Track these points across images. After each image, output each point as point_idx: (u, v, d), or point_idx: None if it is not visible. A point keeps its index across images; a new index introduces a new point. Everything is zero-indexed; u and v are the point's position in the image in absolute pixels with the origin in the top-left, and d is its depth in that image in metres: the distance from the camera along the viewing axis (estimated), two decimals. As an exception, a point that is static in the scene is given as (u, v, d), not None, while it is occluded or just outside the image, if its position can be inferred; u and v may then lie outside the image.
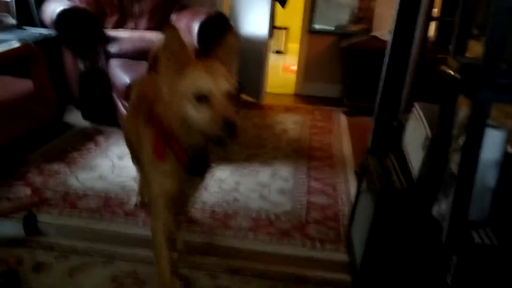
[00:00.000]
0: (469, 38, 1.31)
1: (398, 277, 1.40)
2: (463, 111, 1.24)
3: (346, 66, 3.69)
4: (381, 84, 2.55)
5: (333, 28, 3.89)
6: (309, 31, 3.95)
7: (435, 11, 2.84)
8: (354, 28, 3.81)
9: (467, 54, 1.39)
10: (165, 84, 1.17)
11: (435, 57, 2.50)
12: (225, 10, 3.84)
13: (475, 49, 1.46)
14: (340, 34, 3.84)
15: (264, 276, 1.63)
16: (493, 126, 1.06)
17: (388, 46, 2.50)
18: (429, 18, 2.46)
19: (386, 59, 2.52)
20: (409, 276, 1.33)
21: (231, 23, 3.35)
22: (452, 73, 1.11)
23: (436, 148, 1.34)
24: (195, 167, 1.28)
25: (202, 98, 1.11)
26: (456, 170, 1.11)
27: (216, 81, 1.13)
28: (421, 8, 2.34)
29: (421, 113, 1.56)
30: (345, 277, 1.65)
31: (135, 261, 1.66)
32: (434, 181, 1.25)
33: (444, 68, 1.18)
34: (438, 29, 3.14)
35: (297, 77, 4.15)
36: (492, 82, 0.97)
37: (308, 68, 4.05)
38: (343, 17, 3.86)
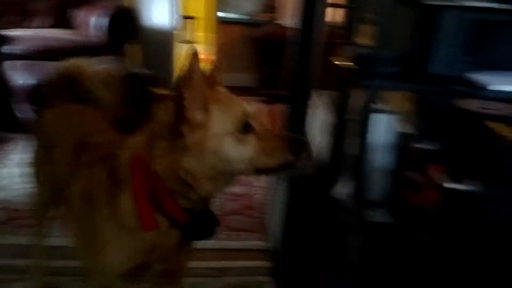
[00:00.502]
0: (365, 24, 1.38)
1: (313, 259, 1.46)
2: (356, 97, 1.31)
3: (259, 55, 3.74)
4: (288, 71, 2.62)
5: (243, 17, 3.92)
6: (219, 21, 3.95)
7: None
8: (263, 17, 3.87)
9: (366, 39, 1.47)
10: (189, 129, 0.86)
11: (345, 42, 2.61)
12: (127, 3, 3.73)
13: (368, 32, 1.55)
14: (249, 23, 3.88)
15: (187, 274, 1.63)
16: (384, 111, 1.14)
17: (292, 34, 2.57)
18: (325, 4, 2.55)
19: (292, 46, 2.60)
20: (322, 257, 1.40)
21: (136, 15, 3.26)
22: (343, 63, 1.17)
23: (333, 133, 1.41)
24: (199, 229, 0.97)
25: (245, 128, 0.88)
26: (353, 154, 1.18)
27: (245, 104, 0.92)
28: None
29: (319, 100, 1.63)
30: (266, 264, 1.69)
31: (49, 274, 1.57)
32: (333, 164, 1.32)
33: (335, 58, 1.25)
34: (346, 14, 3.28)
35: (210, 67, 4.14)
36: (379, 70, 1.04)
37: (221, 58, 4.05)
38: (251, 6, 3.90)
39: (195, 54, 0.85)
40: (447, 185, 0.78)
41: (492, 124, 0.78)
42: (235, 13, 3.96)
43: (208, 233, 0.97)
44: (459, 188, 0.76)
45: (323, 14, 2.42)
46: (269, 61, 3.62)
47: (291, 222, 1.50)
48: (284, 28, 3.51)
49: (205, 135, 0.85)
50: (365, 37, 1.41)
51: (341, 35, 2.89)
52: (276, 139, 0.89)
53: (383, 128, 1.10)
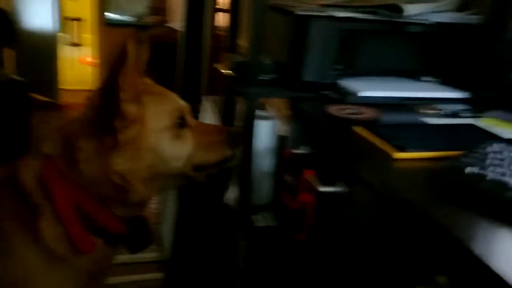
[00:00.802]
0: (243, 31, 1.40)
1: (205, 266, 1.45)
2: (241, 104, 1.33)
3: (150, 58, 3.64)
4: (178, 75, 2.59)
5: (131, 20, 3.78)
6: (105, 23, 3.77)
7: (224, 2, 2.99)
8: (152, 19, 3.77)
9: (244, 41, 1.49)
10: (122, 124, 0.75)
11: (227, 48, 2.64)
12: (3, 4, 3.40)
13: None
14: (138, 26, 3.75)
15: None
16: (265, 117, 1.16)
17: (181, 37, 2.54)
18: (214, 9, 2.57)
19: (180, 50, 2.57)
20: (213, 263, 1.39)
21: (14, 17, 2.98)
22: (225, 71, 1.18)
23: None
24: (137, 239, 0.86)
25: (180, 123, 0.82)
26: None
27: (178, 97, 0.86)
28: (206, 2, 2.43)
29: (209, 105, 1.63)
30: (160, 276, 1.65)
31: None
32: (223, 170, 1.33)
33: (219, 66, 1.25)
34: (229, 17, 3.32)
35: (97, 73, 3.94)
36: (257, 78, 1.06)
37: (107, 61, 3.88)
38: (139, 8, 3.78)
39: (135, 38, 0.78)
40: (319, 188, 0.81)
41: (356, 128, 0.83)
42: (123, 15, 3.81)
43: (145, 244, 0.87)
44: (329, 191, 0.80)
45: (210, 18, 2.44)
46: (159, 64, 3.54)
47: (182, 230, 1.48)
48: (174, 31, 3.46)
49: (141, 130, 0.76)
50: (244, 44, 1.44)
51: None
52: (213, 133, 0.85)
53: (265, 134, 1.13)
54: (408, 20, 1.03)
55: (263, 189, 1.18)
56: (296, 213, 0.91)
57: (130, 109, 0.76)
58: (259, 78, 1.06)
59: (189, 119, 0.84)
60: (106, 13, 3.77)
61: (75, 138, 0.77)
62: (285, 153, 0.97)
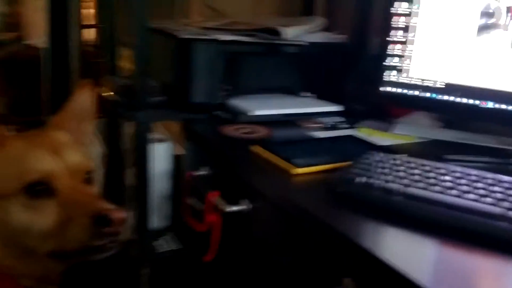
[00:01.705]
0: (123, 46, 1.36)
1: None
2: (129, 126, 1.29)
3: (5, 78, 3.30)
4: (46, 95, 2.41)
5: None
6: None
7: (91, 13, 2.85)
8: (6, 36, 3.43)
9: (126, 62, 1.45)
10: None
11: (99, 61, 2.54)
12: None
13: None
14: (-12, 43, 3.38)
15: None
16: (160, 140, 1.15)
17: (42, 55, 2.38)
18: (82, 26, 2.45)
19: (47, 68, 2.40)
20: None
21: None
22: (108, 94, 1.14)
23: (109, 164, 1.36)
24: None
25: (39, 191, 0.63)
26: (133, 184, 1.16)
27: (57, 156, 0.67)
28: (70, 16, 2.30)
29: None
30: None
31: None
32: (113, 197, 1.28)
33: (100, 89, 1.20)
34: (98, 33, 3.17)
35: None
36: (146, 102, 1.05)
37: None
38: (-12, 24, 3.41)
39: None
40: (225, 208, 0.84)
41: (253, 147, 0.87)
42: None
43: None
44: (234, 210, 0.83)
45: (76, 34, 2.32)
46: (18, 84, 3.25)
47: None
48: (33, 48, 3.20)
49: None
50: (123, 65, 1.40)
51: (99, 56, 2.78)
52: (83, 214, 0.62)
53: (160, 157, 1.12)
54: (284, 42, 1.11)
55: (164, 213, 1.16)
56: (201, 234, 0.92)
57: None
58: (147, 101, 1.05)
59: (60, 186, 0.65)
60: None
61: None
62: (186, 175, 0.97)
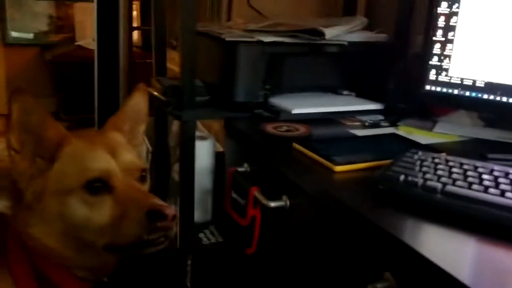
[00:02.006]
0: (169, 49, 1.43)
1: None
2: (176, 124, 1.35)
3: (56, 78, 3.47)
4: (96, 94, 2.52)
5: (33, 39, 3.57)
6: (5, 43, 3.52)
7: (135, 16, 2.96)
8: (57, 37, 3.60)
9: (173, 65, 1.51)
10: (25, 180, 0.69)
11: (144, 62, 2.64)
12: None
13: (178, 58, 1.60)
14: (42, 45, 3.56)
15: None
16: (202, 137, 1.20)
17: (95, 55, 2.48)
18: (131, 28, 2.55)
19: (96, 68, 2.50)
20: (161, 285, 1.39)
21: None
22: (157, 94, 1.19)
23: (157, 160, 1.43)
24: None
25: (97, 188, 0.68)
26: (179, 179, 1.22)
27: (114, 155, 0.72)
28: (120, 18, 2.40)
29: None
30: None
31: None
32: (159, 190, 1.34)
33: (149, 89, 1.26)
34: (142, 34, 3.29)
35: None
36: (192, 101, 1.10)
37: (10, 85, 3.62)
38: (42, 26, 3.59)
39: (23, 92, 0.67)
40: (265, 203, 0.87)
41: (294, 145, 0.90)
42: (23, 33, 3.59)
43: None
44: (274, 205, 0.86)
45: (126, 36, 2.41)
46: (68, 84, 3.41)
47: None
48: (84, 49, 3.34)
49: (43, 189, 0.68)
50: (174, 66, 1.46)
51: (143, 53, 2.87)
52: (138, 210, 0.66)
53: (203, 154, 1.17)
54: (325, 42, 1.13)
55: (205, 207, 1.21)
56: (241, 228, 0.96)
57: (37, 163, 0.70)
58: (193, 100, 1.10)
59: (117, 184, 0.69)
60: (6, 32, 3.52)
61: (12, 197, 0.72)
62: (229, 171, 1.01)
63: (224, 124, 1.16)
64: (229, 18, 1.68)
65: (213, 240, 1.14)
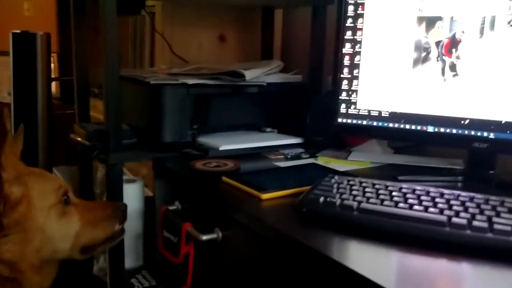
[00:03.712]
0: (91, 97, 1.42)
1: None
2: (101, 170, 1.34)
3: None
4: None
5: None
6: None
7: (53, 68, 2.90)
8: (-34, 91, 3.40)
9: (95, 112, 1.51)
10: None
11: (64, 113, 2.58)
12: None
13: (100, 106, 1.60)
14: None
15: None
16: (130, 181, 1.20)
17: (12, 109, 2.38)
18: (49, 79, 2.50)
19: (12, 122, 2.40)
20: None
21: None
22: (81, 140, 1.19)
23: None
24: None
25: (65, 199, 0.82)
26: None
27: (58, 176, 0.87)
28: (38, 70, 2.35)
29: (62, 176, 1.57)
30: None
31: None
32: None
33: (73, 136, 1.25)
34: (61, 85, 3.21)
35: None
36: (119, 144, 1.10)
37: None
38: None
39: (6, 115, 0.81)
40: (197, 237, 0.89)
41: (224, 179, 0.94)
42: None
43: None
44: (206, 238, 0.89)
45: (46, 88, 2.36)
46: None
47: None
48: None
49: (27, 211, 0.76)
50: (96, 113, 1.46)
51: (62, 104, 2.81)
52: (98, 208, 0.86)
53: (133, 197, 1.16)
54: (246, 83, 1.21)
55: (136, 252, 1.19)
56: (177, 266, 0.97)
57: (13, 190, 0.76)
58: (120, 143, 1.11)
59: (72, 197, 0.85)
60: None
61: None
62: (160, 210, 1.02)
63: (152, 166, 1.17)
64: (151, 65, 1.73)
65: (146, 284, 1.12)
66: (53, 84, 3.01)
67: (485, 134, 0.95)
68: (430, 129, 1.02)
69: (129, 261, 1.19)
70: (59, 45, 3.11)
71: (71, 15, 1.31)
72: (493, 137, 0.94)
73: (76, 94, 1.36)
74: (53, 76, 2.83)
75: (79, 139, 1.21)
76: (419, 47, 1.02)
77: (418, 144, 1.20)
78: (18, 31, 2.29)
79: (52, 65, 2.93)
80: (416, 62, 1.03)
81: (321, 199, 0.77)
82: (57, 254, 0.81)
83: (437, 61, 1.00)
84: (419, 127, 1.03)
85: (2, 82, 3.35)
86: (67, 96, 2.96)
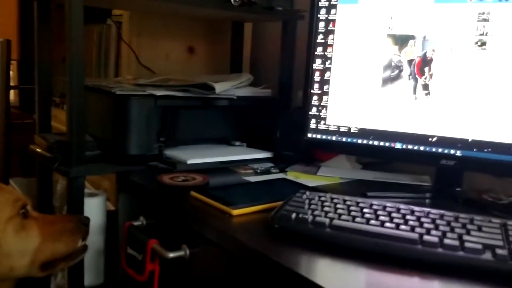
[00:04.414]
0: (52, 107, 1.36)
1: None
2: (61, 183, 1.28)
3: None
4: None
5: None
6: None
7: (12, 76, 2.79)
8: None
9: (56, 122, 1.44)
10: None
11: (22, 122, 2.47)
12: None
13: (61, 116, 1.53)
14: None
15: None
16: (92, 194, 1.15)
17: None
18: (8, 87, 2.40)
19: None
20: None
21: None
22: (42, 151, 1.13)
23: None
24: None
25: (24, 213, 0.78)
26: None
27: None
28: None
29: (19, 187, 1.50)
30: None
31: None
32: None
33: (33, 146, 1.19)
34: (20, 94, 3.09)
35: None
36: (82, 156, 1.06)
37: None
38: None
39: None
40: (164, 254, 0.86)
41: (192, 193, 0.91)
42: None
43: None
44: (173, 256, 0.85)
45: (4, 96, 2.26)
46: None
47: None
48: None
49: None
50: (57, 123, 1.40)
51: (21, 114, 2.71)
52: (60, 222, 0.82)
53: (95, 211, 1.11)
54: (215, 96, 1.19)
55: (97, 269, 1.14)
56: (141, 285, 0.92)
57: None
58: (83, 155, 1.06)
59: (31, 210, 0.81)
60: None
61: None
62: (124, 226, 0.98)
63: (116, 179, 1.13)
64: (117, 75, 1.68)
65: (107, 303, 1.07)
66: (12, 92, 2.90)
67: (452, 151, 0.97)
68: (398, 145, 1.03)
69: (89, 278, 1.13)
70: (19, 52, 3.00)
71: (34, 22, 1.26)
72: (460, 154, 0.96)
73: (37, 103, 1.30)
74: (12, 84, 2.73)
75: (39, 150, 1.15)
76: (390, 65, 1.04)
77: (386, 160, 1.21)
78: (-24, 37, 2.19)
79: (12, 72, 2.82)
80: (386, 79, 1.04)
81: (293, 215, 0.75)
82: (15, 271, 0.77)
83: (409, 79, 1.01)
84: (387, 144, 1.04)
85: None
86: (27, 105, 2.85)
